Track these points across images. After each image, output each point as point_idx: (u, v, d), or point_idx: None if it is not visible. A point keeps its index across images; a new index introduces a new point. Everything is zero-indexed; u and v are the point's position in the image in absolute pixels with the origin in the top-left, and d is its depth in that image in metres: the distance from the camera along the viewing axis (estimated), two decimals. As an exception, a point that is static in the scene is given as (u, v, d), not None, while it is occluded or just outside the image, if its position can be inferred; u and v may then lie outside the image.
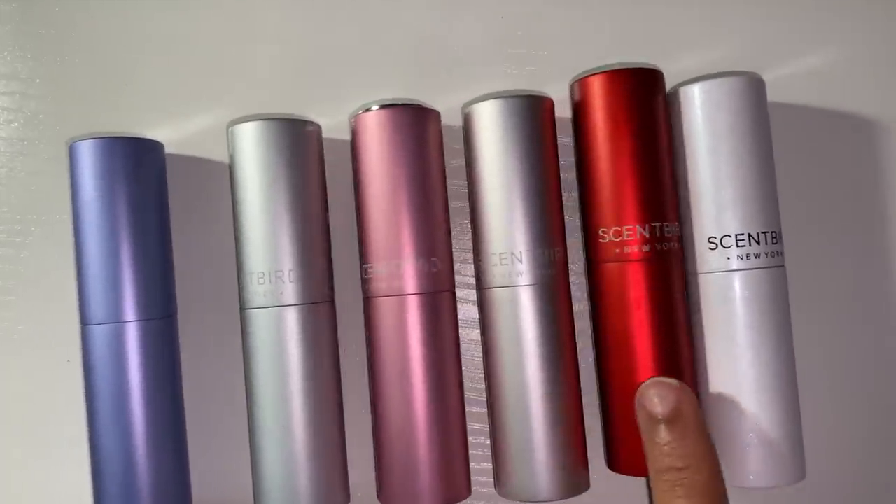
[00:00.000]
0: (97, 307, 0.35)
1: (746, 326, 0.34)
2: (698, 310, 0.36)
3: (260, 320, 0.35)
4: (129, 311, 0.35)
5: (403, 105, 0.36)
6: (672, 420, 0.32)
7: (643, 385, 0.34)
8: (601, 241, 0.35)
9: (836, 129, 0.39)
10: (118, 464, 0.35)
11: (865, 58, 0.39)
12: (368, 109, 0.36)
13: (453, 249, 0.38)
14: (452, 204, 0.38)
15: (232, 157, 0.36)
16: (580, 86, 0.36)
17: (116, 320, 0.35)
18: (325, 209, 0.37)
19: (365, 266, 0.36)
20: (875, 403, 0.39)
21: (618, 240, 0.35)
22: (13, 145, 0.40)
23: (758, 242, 0.35)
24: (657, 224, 0.35)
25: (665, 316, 0.35)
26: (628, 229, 0.35)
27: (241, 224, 0.36)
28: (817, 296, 0.39)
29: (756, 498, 0.38)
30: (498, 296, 0.35)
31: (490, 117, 0.35)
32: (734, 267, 0.35)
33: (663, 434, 0.32)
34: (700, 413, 0.33)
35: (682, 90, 0.36)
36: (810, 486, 0.36)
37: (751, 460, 0.34)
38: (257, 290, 0.35)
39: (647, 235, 0.35)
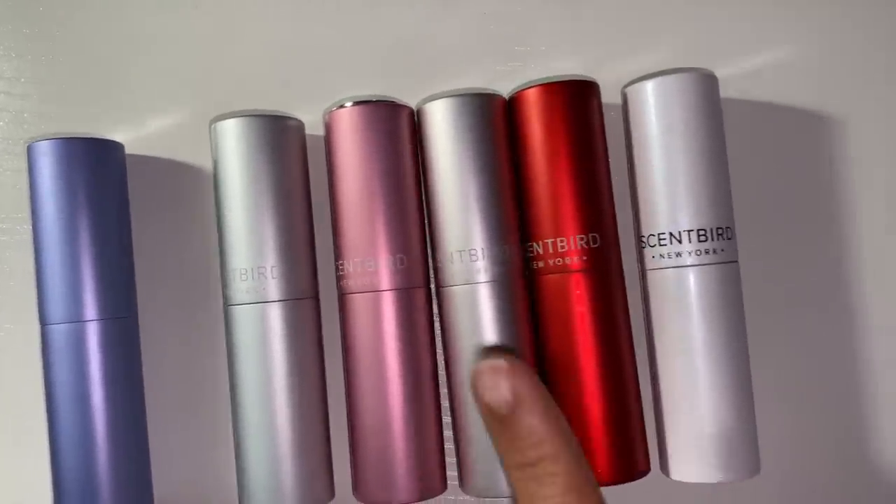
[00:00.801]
0: (56, 307, 0.35)
1: (700, 322, 0.34)
2: (649, 308, 0.36)
3: (243, 317, 0.35)
4: (89, 310, 0.35)
5: (376, 102, 0.36)
6: (513, 407, 0.28)
7: (473, 372, 0.30)
8: (531, 254, 0.36)
9: (788, 125, 0.40)
10: (77, 462, 0.35)
11: (817, 54, 0.40)
12: (342, 106, 0.36)
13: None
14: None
15: (214, 153, 0.36)
16: (516, 99, 0.37)
17: (75, 319, 0.35)
18: (309, 205, 0.37)
19: (338, 263, 0.36)
20: (828, 397, 0.39)
21: (554, 252, 0.35)
22: (-2, 144, 0.40)
23: (711, 238, 0.35)
24: (593, 234, 0.35)
25: (606, 325, 0.35)
26: (561, 241, 0.35)
27: (224, 220, 0.36)
28: (770, 291, 0.39)
29: (711, 492, 0.38)
30: (456, 293, 0.35)
31: (441, 116, 0.36)
32: (687, 263, 0.35)
33: (506, 424, 0.28)
34: (545, 393, 0.29)
35: (635, 87, 0.36)
36: (764, 480, 0.36)
37: (706, 455, 0.34)
38: (240, 286, 0.35)
39: (584, 246, 0.35)
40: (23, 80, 0.40)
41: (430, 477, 0.35)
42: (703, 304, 0.34)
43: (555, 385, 0.36)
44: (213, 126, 0.36)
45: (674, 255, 0.35)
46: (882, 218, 0.39)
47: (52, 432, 0.35)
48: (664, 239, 0.35)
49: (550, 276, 0.35)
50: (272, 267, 0.35)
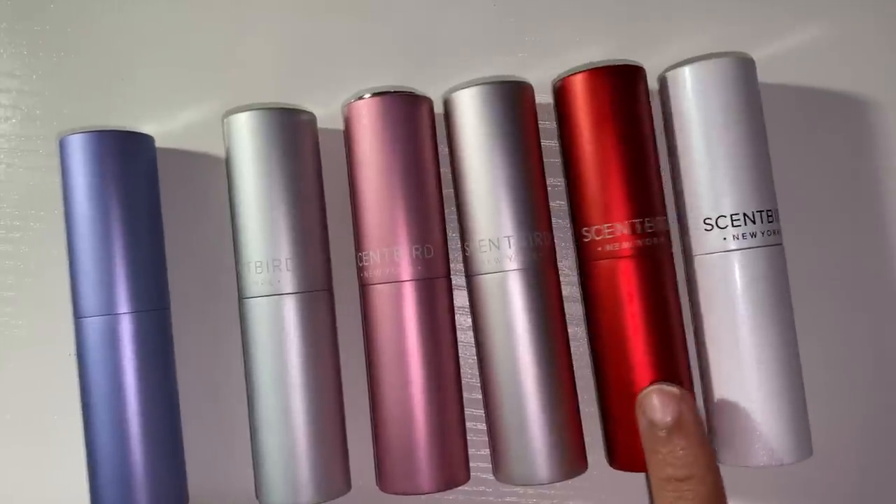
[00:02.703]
0: (90, 300, 0.35)
1: (747, 306, 0.34)
2: (696, 293, 0.36)
3: (259, 309, 0.35)
4: (122, 303, 0.35)
5: (395, 93, 0.36)
6: (674, 428, 0.32)
7: (644, 392, 0.33)
8: (585, 240, 0.36)
9: (828, 108, 0.39)
10: (113, 455, 0.35)
11: (853, 35, 0.39)
12: (361, 97, 0.36)
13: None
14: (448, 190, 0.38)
15: (227, 147, 0.36)
16: (561, 86, 0.36)
17: (109, 312, 0.35)
18: (322, 197, 0.37)
19: (360, 254, 0.36)
20: (876, 379, 0.39)
21: (603, 238, 0.35)
22: (11, 141, 0.40)
23: (754, 221, 0.34)
24: (643, 219, 0.35)
25: (658, 310, 0.35)
26: (609, 227, 0.35)
27: (238, 213, 0.36)
28: (815, 274, 0.38)
29: (764, 476, 0.37)
30: (487, 282, 0.35)
31: (470, 104, 0.35)
32: (732, 247, 0.35)
33: (665, 442, 0.32)
34: (701, 422, 0.33)
35: (673, 73, 0.36)
36: (817, 462, 0.35)
37: (757, 439, 0.34)
38: (255, 279, 0.35)
39: (635, 232, 0.34)
40: (34, 77, 0.40)
41: (452, 467, 0.35)
42: (748, 289, 0.34)
43: (606, 368, 0.35)
44: (225, 119, 0.36)
45: (719, 240, 0.35)
46: None
47: (87, 424, 0.36)
48: (709, 223, 0.35)
49: (603, 261, 0.35)
50: (287, 259, 0.35)
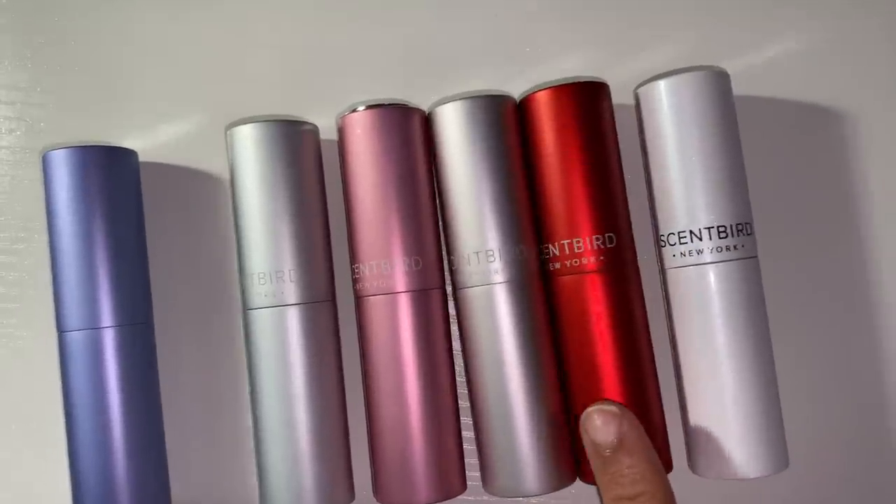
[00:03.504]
0: (73, 314, 0.36)
1: (722, 319, 0.34)
2: (672, 306, 0.36)
3: (262, 320, 0.35)
4: (105, 317, 0.36)
5: (388, 105, 0.36)
6: (618, 447, 0.32)
7: (585, 413, 0.34)
8: (547, 255, 0.36)
9: (802, 120, 0.40)
10: (95, 467, 0.35)
11: (827, 48, 0.40)
12: (354, 110, 0.36)
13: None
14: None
15: (230, 159, 0.37)
16: (525, 102, 0.37)
17: (92, 326, 0.35)
18: (325, 208, 0.37)
19: (354, 266, 0.36)
20: (852, 389, 0.39)
21: (567, 253, 0.35)
22: (16, 154, 0.41)
23: (730, 234, 0.35)
24: (609, 234, 0.35)
25: (624, 324, 0.35)
26: (578, 242, 0.35)
27: (242, 225, 0.36)
28: (790, 286, 0.39)
29: (742, 488, 0.38)
30: (473, 294, 0.36)
31: (454, 118, 0.36)
32: (707, 260, 0.35)
33: (611, 462, 0.32)
34: (645, 437, 0.33)
35: (647, 88, 0.36)
36: (793, 474, 0.36)
37: (733, 451, 0.34)
38: (259, 290, 0.35)
39: (601, 247, 0.35)
40: (38, 89, 0.41)
41: (449, 477, 0.35)
42: (724, 301, 0.35)
43: (574, 384, 0.36)
44: (228, 131, 0.37)
45: (694, 253, 0.35)
46: (893, 206, 0.39)
47: (70, 437, 0.36)
48: (684, 237, 0.35)
49: (567, 276, 0.36)
50: (290, 270, 0.35)
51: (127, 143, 0.40)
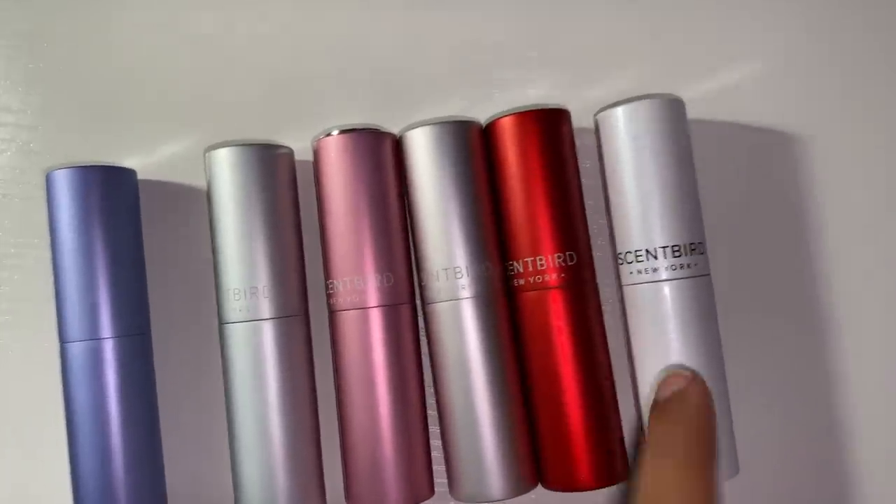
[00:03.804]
0: (74, 325, 0.37)
1: (676, 332, 0.36)
2: (629, 320, 0.38)
3: (237, 334, 0.37)
4: (105, 328, 0.37)
5: (361, 129, 0.38)
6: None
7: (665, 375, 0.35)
8: (510, 272, 0.38)
9: (753, 143, 0.41)
10: (95, 472, 0.37)
11: (778, 72, 0.41)
12: (329, 134, 0.38)
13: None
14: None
15: (209, 180, 0.39)
16: (491, 127, 0.38)
17: (92, 337, 0.37)
18: (299, 227, 0.39)
19: (328, 282, 0.38)
20: (800, 400, 0.41)
21: (532, 270, 0.37)
22: (7, 173, 0.42)
23: (684, 253, 0.36)
24: (570, 253, 0.37)
25: (583, 337, 0.37)
26: (540, 260, 0.37)
27: (219, 243, 0.38)
28: (741, 300, 0.41)
29: None
30: (441, 309, 0.37)
31: (423, 142, 0.38)
32: (663, 277, 0.36)
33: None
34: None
35: (606, 114, 0.38)
36: (743, 479, 0.37)
37: None
38: (234, 305, 0.37)
39: (562, 264, 0.37)
40: (29, 112, 0.43)
41: (417, 484, 0.37)
42: (678, 316, 0.36)
43: (536, 395, 0.37)
44: (207, 154, 0.39)
45: (650, 271, 0.36)
46: (843, 226, 0.41)
47: (71, 444, 0.37)
48: (640, 255, 0.37)
49: (530, 292, 0.37)
50: (264, 287, 0.37)
51: (115, 163, 0.42)
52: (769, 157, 0.41)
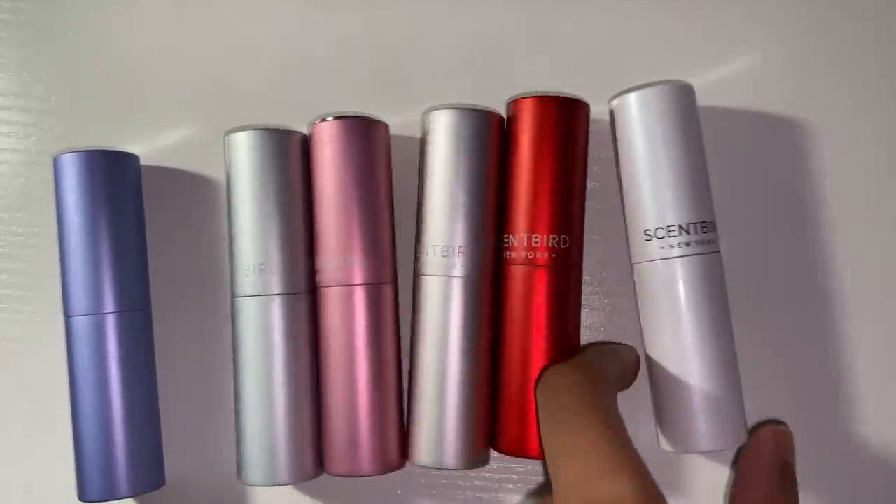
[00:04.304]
0: (78, 300, 0.39)
1: (687, 307, 0.37)
2: (642, 297, 0.39)
3: (248, 307, 0.39)
4: (108, 303, 0.39)
5: (353, 117, 0.40)
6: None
7: (779, 430, 0.39)
8: (506, 244, 0.39)
9: (762, 129, 0.42)
10: (97, 441, 0.39)
11: (788, 60, 0.42)
12: (323, 120, 0.40)
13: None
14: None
15: (227, 162, 0.41)
16: (513, 104, 0.40)
17: (95, 312, 0.39)
18: (309, 209, 0.41)
19: (316, 259, 0.40)
20: (806, 375, 0.42)
21: (527, 245, 0.38)
22: (31, 157, 0.45)
23: (695, 231, 0.37)
24: (564, 236, 0.38)
25: (561, 312, 0.38)
26: (535, 238, 0.38)
27: (234, 221, 0.40)
28: (751, 280, 0.42)
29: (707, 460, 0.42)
30: (432, 282, 0.39)
31: (444, 126, 0.39)
32: (674, 254, 0.38)
33: (790, 480, 0.37)
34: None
35: (620, 100, 0.39)
36: None
37: (699, 428, 0.37)
38: (246, 280, 0.39)
39: (555, 245, 0.38)
40: (53, 99, 0.45)
41: (390, 453, 0.39)
42: (690, 290, 0.37)
43: (506, 357, 0.39)
44: (226, 138, 0.41)
45: (666, 248, 0.38)
46: (850, 212, 0.42)
47: (74, 413, 0.40)
48: (649, 234, 0.38)
49: (518, 266, 0.39)
50: (275, 264, 0.39)
51: (129, 148, 0.44)
52: (775, 142, 0.42)
